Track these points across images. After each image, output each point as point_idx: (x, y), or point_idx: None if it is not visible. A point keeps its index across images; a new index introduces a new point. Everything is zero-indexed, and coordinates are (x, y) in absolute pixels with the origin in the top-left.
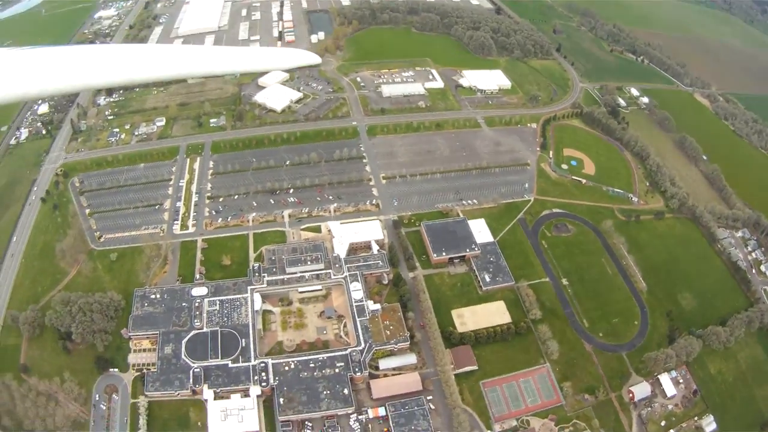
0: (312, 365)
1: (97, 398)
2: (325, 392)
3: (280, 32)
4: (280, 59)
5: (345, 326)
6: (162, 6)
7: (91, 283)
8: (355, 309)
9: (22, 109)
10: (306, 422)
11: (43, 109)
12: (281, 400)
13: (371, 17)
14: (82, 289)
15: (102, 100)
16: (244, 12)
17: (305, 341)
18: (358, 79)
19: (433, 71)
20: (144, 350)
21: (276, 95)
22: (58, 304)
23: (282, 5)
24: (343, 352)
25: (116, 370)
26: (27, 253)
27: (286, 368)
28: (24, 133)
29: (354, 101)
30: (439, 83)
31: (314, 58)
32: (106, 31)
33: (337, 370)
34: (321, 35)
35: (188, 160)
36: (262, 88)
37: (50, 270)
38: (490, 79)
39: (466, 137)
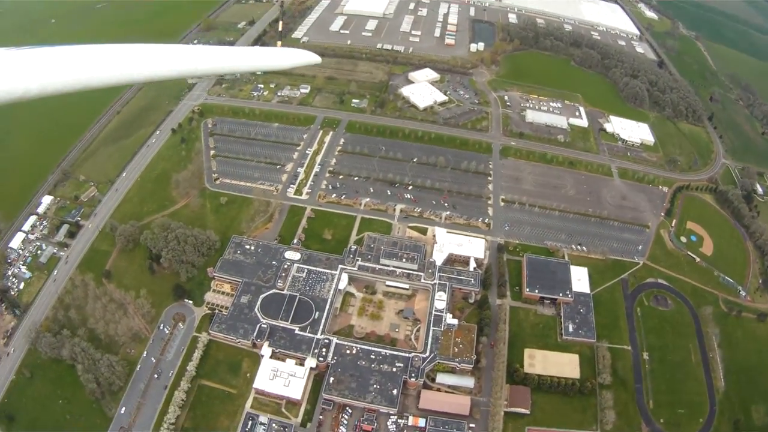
0: (372, 356)
1: (164, 321)
2: (375, 386)
3: (441, 33)
4: (280, 58)
5: (418, 331)
6: None
7: (194, 217)
8: (433, 317)
9: (178, 43)
10: (347, 408)
11: None
12: (332, 378)
13: (533, 40)
14: (184, 220)
15: None
16: (412, 5)
17: (375, 333)
18: (506, 97)
19: (581, 108)
20: (222, 293)
21: (422, 93)
22: (157, 227)
23: (449, 7)
24: (407, 355)
25: (190, 302)
26: (144, 174)
27: (348, 351)
28: None
29: (496, 118)
30: (583, 122)
31: (314, 58)
32: None
33: (394, 369)
34: (481, 46)
35: (321, 132)
36: (411, 82)
37: (161, 195)
38: (634, 131)
39: (595, 183)
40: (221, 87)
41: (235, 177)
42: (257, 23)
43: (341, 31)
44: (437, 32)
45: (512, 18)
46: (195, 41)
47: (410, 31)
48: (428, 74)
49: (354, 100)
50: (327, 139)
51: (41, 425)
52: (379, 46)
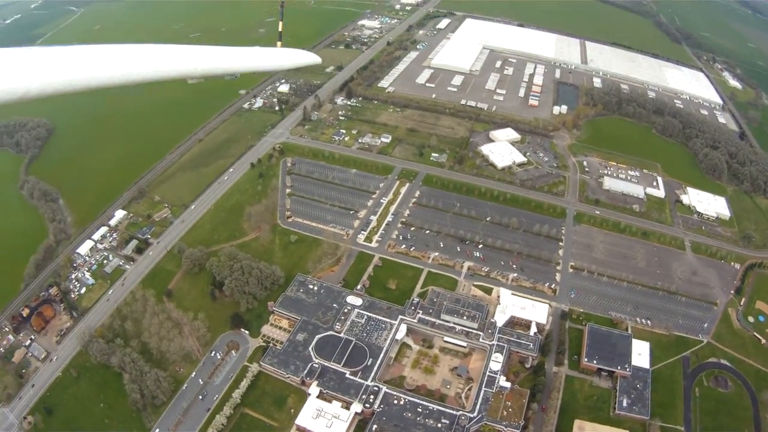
0: (419, 410)
1: (217, 347)
2: None
3: (526, 94)
4: (280, 59)
5: (469, 390)
6: (424, 33)
7: (262, 251)
8: (486, 378)
9: (264, 81)
10: None
11: (284, 88)
12: (375, 426)
13: (617, 105)
14: (252, 253)
15: (339, 100)
16: (498, 63)
17: (426, 386)
18: (585, 162)
19: (659, 179)
20: (279, 328)
21: (501, 152)
22: (224, 255)
23: (535, 68)
24: (454, 412)
25: (246, 332)
26: (218, 203)
27: (395, 401)
28: (259, 102)
29: (573, 183)
30: (660, 192)
31: (314, 58)
32: (365, 39)
33: (439, 425)
34: (564, 109)
35: (398, 182)
36: (492, 141)
37: (232, 225)
38: (711, 204)
39: (666, 256)
40: (304, 128)
41: (307, 217)
42: (346, 68)
43: (427, 84)
44: (522, 92)
45: (597, 82)
46: (282, 80)
47: (495, 89)
48: (509, 134)
49: (433, 154)
50: (403, 190)
51: (78, 424)
52: (463, 102)
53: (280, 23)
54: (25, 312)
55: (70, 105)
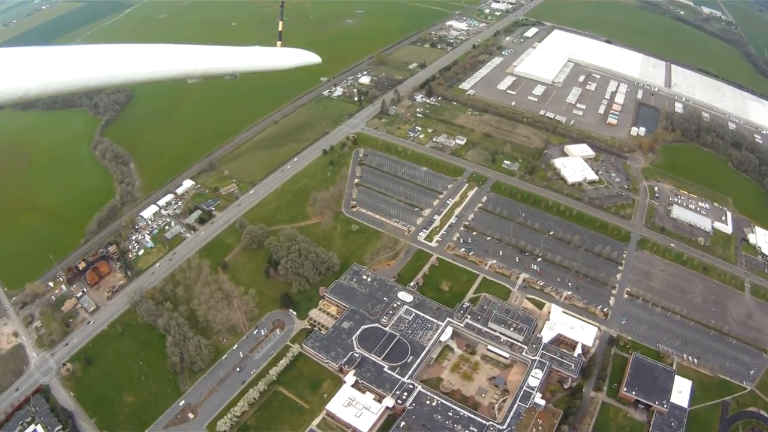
0: (450, 414)
1: (263, 323)
2: None
3: (605, 111)
4: (279, 58)
5: (503, 402)
6: (510, 40)
7: (322, 237)
8: (522, 392)
9: (346, 71)
10: None
11: (365, 80)
12: (403, 423)
13: (695, 133)
14: (311, 237)
15: (419, 98)
16: (581, 78)
17: (461, 392)
18: (656, 188)
19: (729, 213)
20: (327, 313)
21: (574, 168)
22: (284, 236)
23: (618, 86)
24: (483, 422)
25: (294, 313)
26: (286, 185)
27: (428, 402)
28: (339, 91)
29: (641, 208)
30: (727, 228)
31: (314, 58)
32: (451, 40)
33: None
34: (642, 131)
35: (466, 185)
36: (566, 155)
37: (296, 208)
38: None
39: (724, 294)
40: (380, 121)
41: (372, 209)
42: (428, 67)
43: (508, 91)
44: (602, 109)
45: (678, 107)
46: (364, 72)
47: (575, 103)
48: (584, 150)
49: (506, 162)
50: (470, 193)
51: (114, 377)
52: (541, 112)
53: (280, 23)
54: (82, 265)
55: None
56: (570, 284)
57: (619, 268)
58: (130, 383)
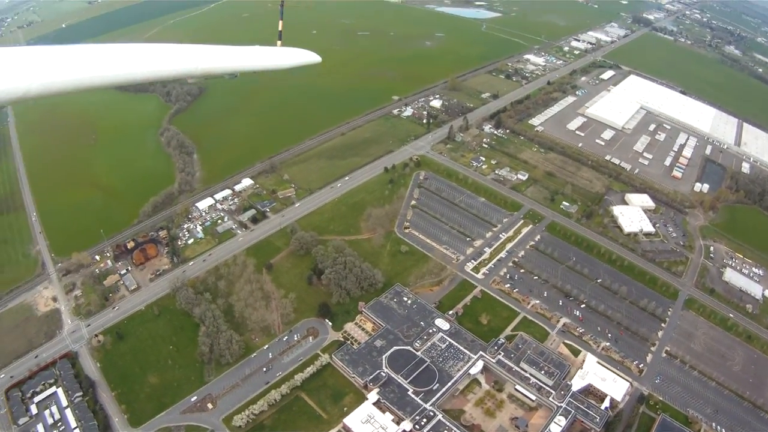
0: None
1: (298, 329)
2: None
3: (671, 164)
4: (279, 58)
5: None
6: (585, 80)
7: (370, 253)
8: None
9: (419, 93)
10: None
11: (436, 103)
12: None
13: (759, 196)
14: (360, 252)
15: (487, 128)
16: (652, 126)
17: (480, 427)
18: (712, 248)
19: None
20: (362, 328)
21: (631, 217)
22: (333, 246)
23: (687, 140)
24: None
25: (330, 324)
26: (343, 197)
27: None
28: (408, 111)
29: (693, 267)
30: None
31: (314, 58)
32: (526, 74)
33: None
34: (705, 187)
35: (522, 221)
36: (625, 203)
37: (349, 221)
38: None
39: (765, 366)
40: (445, 146)
41: (424, 232)
42: (501, 98)
43: (576, 132)
44: (668, 161)
45: (745, 167)
46: (437, 96)
47: (642, 151)
48: (644, 201)
49: (564, 203)
50: (525, 230)
51: (142, 356)
52: (607, 157)
53: (280, 22)
54: (130, 245)
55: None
56: (609, 335)
57: (662, 325)
58: (156, 364)
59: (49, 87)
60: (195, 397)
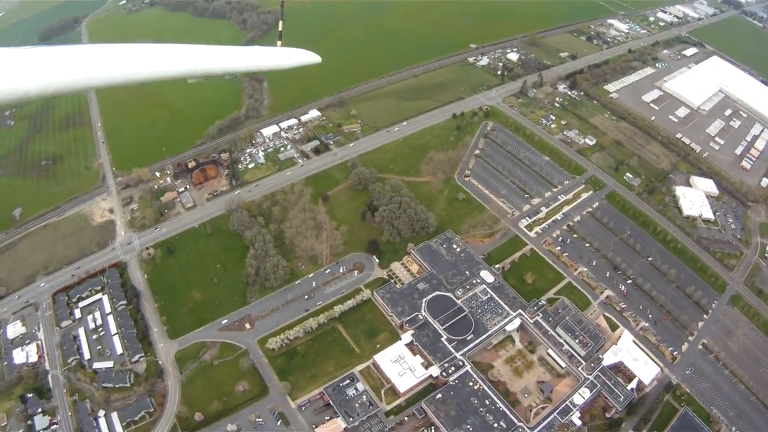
0: (487, 403)
1: (344, 262)
2: (468, 427)
3: (742, 153)
4: (279, 58)
5: (542, 409)
6: (667, 54)
7: (427, 196)
8: (563, 406)
9: (497, 44)
10: (432, 427)
11: (513, 56)
12: (439, 395)
13: None
14: (416, 193)
15: (561, 87)
16: (728, 111)
17: (506, 385)
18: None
19: None
20: (407, 269)
21: (693, 201)
22: (390, 185)
23: (762, 131)
24: (516, 422)
25: (377, 260)
26: (407, 138)
27: (471, 383)
28: (484, 61)
29: (746, 263)
30: None
31: (314, 58)
32: (608, 38)
33: (495, 426)
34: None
35: (583, 186)
36: (689, 186)
37: (410, 162)
38: None
39: None
40: (517, 100)
41: (483, 183)
42: (579, 59)
43: (651, 104)
44: (739, 150)
45: None
46: (514, 49)
47: (714, 136)
48: (709, 186)
49: (628, 174)
50: (584, 195)
51: (189, 270)
52: (678, 135)
53: (281, 22)
54: (191, 164)
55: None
56: (650, 316)
57: (704, 316)
58: (202, 281)
59: (48, 87)
60: (234, 316)
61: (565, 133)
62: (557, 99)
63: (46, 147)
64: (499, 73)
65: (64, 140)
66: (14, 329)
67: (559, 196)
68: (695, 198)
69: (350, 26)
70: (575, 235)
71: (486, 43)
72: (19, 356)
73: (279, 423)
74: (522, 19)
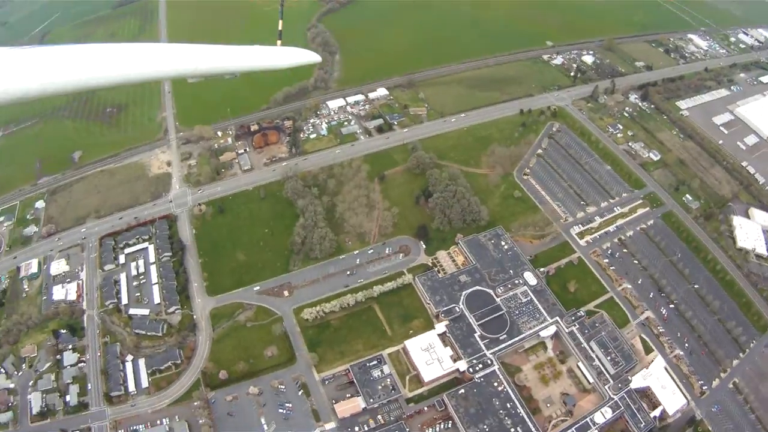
0: (508, 406)
1: (391, 243)
2: (485, 428)
3: None
4: (279, 58)
5: (562, 422)
6: (743, 78)
7: (483, 189)
8: (583, 422)
9: (573, 45)
10: (449, 420)
11: (588, 59)
12: (462, 390)
13: None
14: (473, 185)
15: (633, 97)
16: None
17: (530, 391)
18: None
19: None
20: (452, 259)
21: (749, 233)
22: (448, 172)
23: None
24: (533, 429)
25: (424, 246)
26: (472, 128)
27: (495, 384)
28: (558, 60)
29: None
30: None
31: (314, 57)
32: (686, 53)
33: (513, 430)
34: None
35: (640, 201)
36: (747, 217)
37: (471, 153)
38: None
39: None
40: (586, 104)
41: (541, 183)
42: (654, 71)
43: (721, 128)
44: None
45: None
46: (590, 52)
47: None
48: (767, 221)
49: (687, 196)
50: (640, 211)
51: (236, 232)
52: (744, 163)
53: (280, 22)
54: (254, 128)
55: None
56: (687, 345)
57: (741, 355)
58: (248, 243)
59: (48, 87)
60: (275, 282)
61: (630, 144)
62: (627, 108)
63: (113, 94)
64: (572, 74)
65: (131, 90)
66: (58, 266)
67: (615, 208)
68: (752, 230)
69: (428, 6)
70: (625, 250)
71: (562, 42)
72: (58, 292)
73: (300, 393)
74: (604, 21)
